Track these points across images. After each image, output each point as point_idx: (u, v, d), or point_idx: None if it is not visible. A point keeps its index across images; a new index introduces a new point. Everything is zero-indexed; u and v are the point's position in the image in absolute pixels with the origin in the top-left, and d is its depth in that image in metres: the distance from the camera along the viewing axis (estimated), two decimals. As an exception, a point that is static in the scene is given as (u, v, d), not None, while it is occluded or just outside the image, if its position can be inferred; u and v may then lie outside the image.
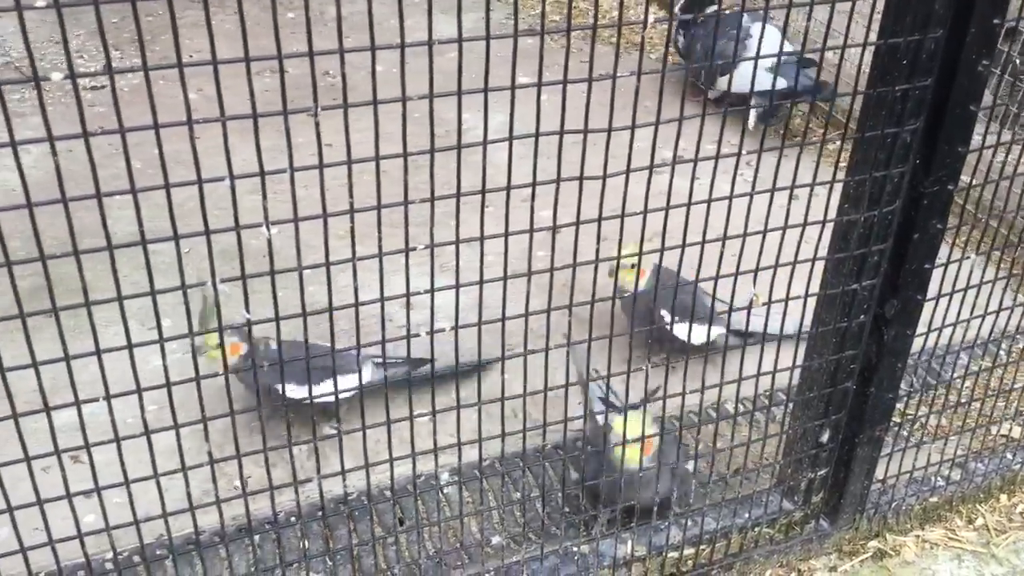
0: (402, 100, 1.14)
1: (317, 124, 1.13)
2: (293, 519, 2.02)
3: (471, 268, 1.40)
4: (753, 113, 3.79)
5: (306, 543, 1.98)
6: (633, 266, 2.32)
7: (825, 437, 1.90)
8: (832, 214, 1.64)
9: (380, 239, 1.26)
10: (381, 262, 1.28)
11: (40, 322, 1.19)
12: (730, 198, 1.47)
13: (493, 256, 1.43)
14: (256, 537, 1.99)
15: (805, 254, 1.63)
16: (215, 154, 1.10)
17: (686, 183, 1.47)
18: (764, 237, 1.53)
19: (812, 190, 1.55)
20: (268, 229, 1.19)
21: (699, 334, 2.40)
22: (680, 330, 2.33)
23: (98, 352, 1.23)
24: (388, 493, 2.04)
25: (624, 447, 1.75)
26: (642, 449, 1.77)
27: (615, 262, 2.21)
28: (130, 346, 1.24)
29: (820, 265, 1.68)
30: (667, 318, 2.39)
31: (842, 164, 1.65)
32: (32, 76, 0.92)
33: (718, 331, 2.46)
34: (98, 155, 1.03)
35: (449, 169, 1.29)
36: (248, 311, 1.24)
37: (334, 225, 1.25)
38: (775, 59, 3.92)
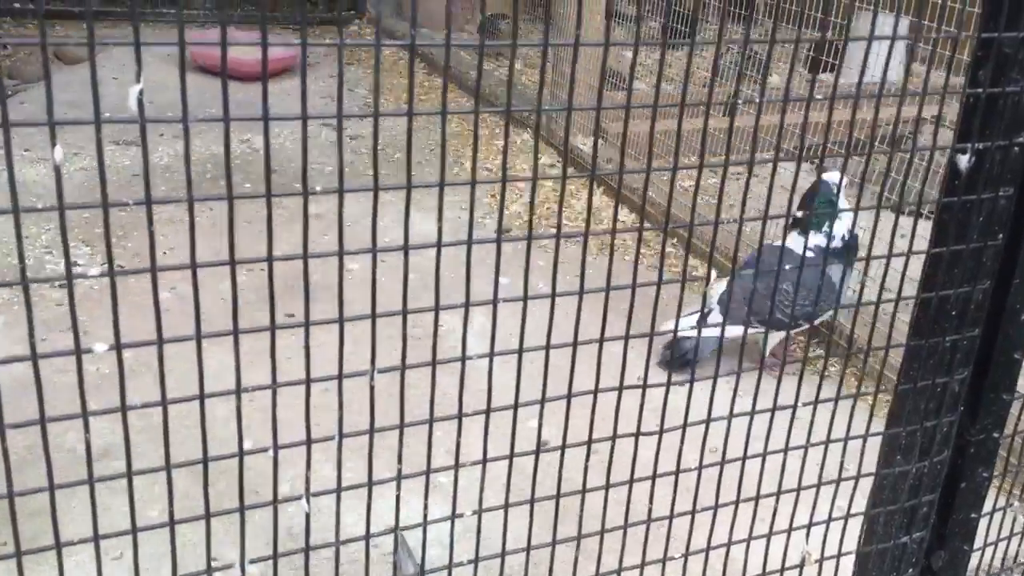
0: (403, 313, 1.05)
1: (372, 388, 1.04)
2: None
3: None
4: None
5: None
6: None
7: None
8: (866, 463, 1.56)
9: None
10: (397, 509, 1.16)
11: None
12: (760, 454, 1.39)
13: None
14: None
15: (840, 505, 1.53)
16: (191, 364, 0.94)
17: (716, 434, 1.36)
18: (818, 491, 1.44)
19: (865, 442, 1.47)
20: (308, 502, 1.06)
21: None
22: None
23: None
24: None
25: None
26: None
27: None
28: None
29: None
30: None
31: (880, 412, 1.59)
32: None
33: None
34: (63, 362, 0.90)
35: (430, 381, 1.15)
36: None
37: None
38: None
